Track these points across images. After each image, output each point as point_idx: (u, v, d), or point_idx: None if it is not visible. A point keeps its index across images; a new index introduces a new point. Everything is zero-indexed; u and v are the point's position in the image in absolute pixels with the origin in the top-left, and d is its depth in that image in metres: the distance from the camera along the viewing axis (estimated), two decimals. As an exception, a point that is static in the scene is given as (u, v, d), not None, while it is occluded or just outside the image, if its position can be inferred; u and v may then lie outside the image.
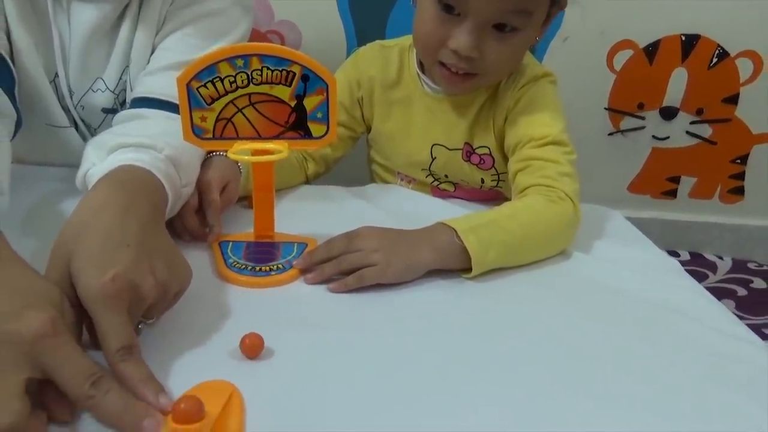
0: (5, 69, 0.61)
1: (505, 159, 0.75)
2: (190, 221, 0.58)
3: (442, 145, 0.78)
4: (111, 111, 0.70)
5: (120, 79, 0.69)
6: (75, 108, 0.69)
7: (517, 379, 0.43)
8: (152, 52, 0.68)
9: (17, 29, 0.63)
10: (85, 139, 0.72)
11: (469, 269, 0.56)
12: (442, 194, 0.81)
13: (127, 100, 0.69)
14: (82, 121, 0.70)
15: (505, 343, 0.48)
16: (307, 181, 0.82)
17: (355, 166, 0.91)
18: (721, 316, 0.57)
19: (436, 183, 0.82)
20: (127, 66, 0.68)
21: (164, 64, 0.65)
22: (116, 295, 0.37)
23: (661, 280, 0.62)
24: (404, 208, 0.72)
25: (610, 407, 0.41)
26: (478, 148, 0.77)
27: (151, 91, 0.63)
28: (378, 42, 0.82)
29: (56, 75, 0.67)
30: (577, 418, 0.40)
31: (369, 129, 0.84)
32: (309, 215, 0.68)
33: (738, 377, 0.46)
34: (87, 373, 0.34)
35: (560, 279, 0.60)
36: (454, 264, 0.56)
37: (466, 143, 0.77)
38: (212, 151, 0.65)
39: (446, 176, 0.80)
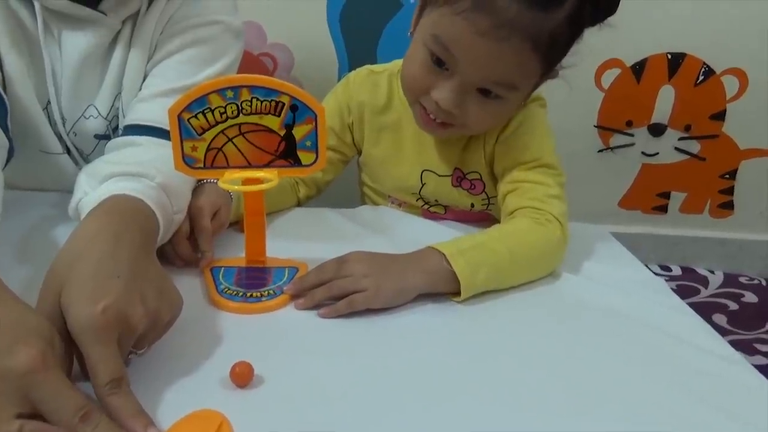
0: None
1: (495, 183, 0.76)
2: (183, 247, 0.59)
3: (432, 171, 0.78)
4: (104, 137, 0.71)
5: (112, 105, 0.70)
6: (68, 134, 0.70)
7: (507, 401, 0.44)
8: (144, 79, 0.69)
9: (9, 57, 0.64)
10: (78, 165, 0.72)
11: (458, 292, 0.56)
12: (433, 216, 0.82)
13: (120, 127, 0.70)
14: (75, 147, 0.71)
15: (495, 365, 0.48)
16: (299, 204, 0.82)
17: (346, 188, 0.92)
18: (705, 334, 0.57)
19: (426, 206, 0.82)
20: (120, 93, 0.69)
21: (156, 91, 0.66)
22: (106, 326, 0.38)
23: (649, 298, 0.63)
24: (396, 231, 0.73)
25: (598, 426, 0.42)
26: (468, 173, 0.77)
27: (143, 118, 0.64)
28: (367, 67, 0.82)
29: (48, 102, 0.68)
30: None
31: (360, 152, 0.84)
32: (301, 238, 0.69)
33: (720, 396, 0.47)
34: (76, 407, 0.35)
35: (548, 299, 0.61)
36: (444, 287, 0.57)
37: (456, 169, 0.77)
38: (203, 178, 0.66)
39: (436, 200, 0.81)
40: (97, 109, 0.70)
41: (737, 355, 0.54)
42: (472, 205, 0.80)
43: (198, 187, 0.64)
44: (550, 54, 0.62)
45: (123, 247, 0.44)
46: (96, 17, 0.64)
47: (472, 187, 0.78)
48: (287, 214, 0.77)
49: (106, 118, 0.70)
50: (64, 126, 0.69)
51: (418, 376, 0.46)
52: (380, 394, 0.44)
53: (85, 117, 0.70)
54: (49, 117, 0.68)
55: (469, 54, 0.60)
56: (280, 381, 0.44)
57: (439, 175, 0.78)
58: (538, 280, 0.64)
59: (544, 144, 0.72)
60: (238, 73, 0.74)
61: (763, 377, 0.51)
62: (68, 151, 0.71)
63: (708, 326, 0.59)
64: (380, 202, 0.86)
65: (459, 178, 0.78)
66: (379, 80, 0.79)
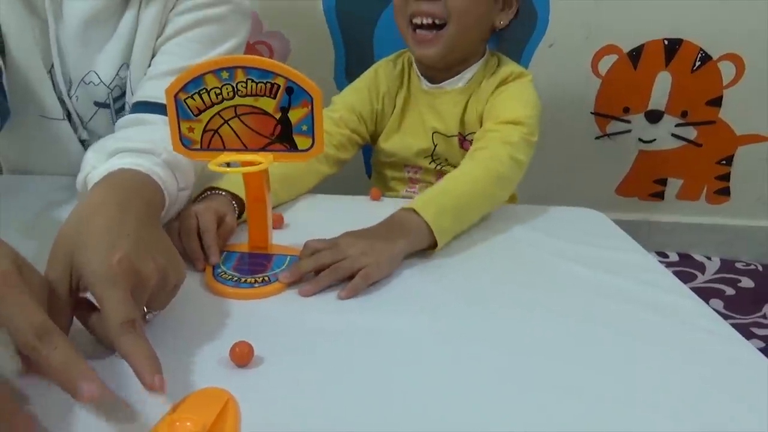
0: None
1: None
2: (192, 244, 0.58)
3: (441, 133, 0.89)
4: (103, 105, 0.72)
5: (116, 75, 0.71)
6: (70, 98, 0.70)
7: (510, 380, 0.44)
8: (153, 55, 0.70)
9: (10, 22, 0.65)
10: (76, 132, 0.73)
11: (434, 244, 0.63)
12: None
13: (127, 101, 0.71)
14: (76, 112, 0.72)
15: (492, 350, 0.48)
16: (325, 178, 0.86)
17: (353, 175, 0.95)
18: (703, 312, 0.58)
19: (439, 167, 0.92)
20: (125, 64, 0.70)
21: (165, 69, 0.67)
22: (122, 275, 0.39)
23: (644, 279, 0.63)
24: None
25: (582, 402, 0.42)
26: (467, 135, 0.88)
27: (153, 95, 0.65)
28: (387, 58, 0.95)
29: (52, 65, 0.69)
30: (558, 414, 0.41)
31: (373, 139, 0.94)
32: (316, 225, 0.68)
33: (720, 376, 0.47)
34: (36, 325, 0.34)
35: (542, 279, 0.61)
36: (421, 243, 0.63)
37: (459, 132, 0.88)
38: (208, 190, 0.66)
39: (446, 160, 0.91)
40: (98, 75, 0.71)
41: (735, 333, 0.54)
42: None
43: (202, 197, 0.65)
44: None
45: (129, 214, 0.45)
46: None
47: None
48: (297, 201, 0.78)
49: (108, 86, 0.71)
50: (68, 91, 0.70)
51: (415, 349, 0.47)
52: (377, 368, 0.44)
53: (85, 82, 0.71)
54: (52, 80, 0.69)
55: None
56: (280, 360, 0.44)
57: (447, 136, 0.89)
58: (532, 259, 0.65)
59: (521, 108, 0.81)
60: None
61: (762, 355, 0.51)
62: (69, 117, 0.71)
63: (706, 305, 0.60)
64: (396, 176, 0.95)
65: (461, 140, 0.89)
66: (396, 63, 0.93)
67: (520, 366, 0.46)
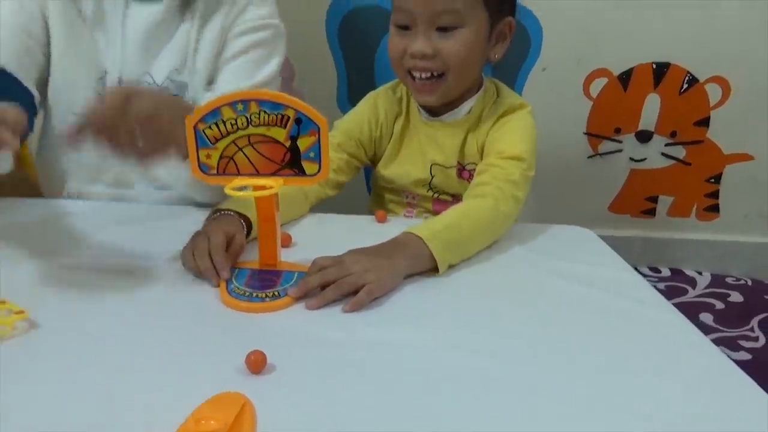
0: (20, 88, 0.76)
1: None
2: (204, 261, 0.63)
3: (440, 165, 0.91)
4: None
5: (167, 78, 0.83)
6: None
7: (504, 386, 0.48)
8: (213, 67, 0.85)
9: (60, 32, 0.80)
10: None
11: (436, 268, 0.67)
12: (442, 204, 0.93)
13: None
14: None
15: (485, 359, 0.53)
16: (322, 200, 0.90)
17: (353, 196, 0.99)
18: (681, 324, 0.62)
19: (436, 195, 0.94)
20: (177, 68, 0.83)
21: (230, 90, 0.78)
22: None
23: (627, 293, 0.67)
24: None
25: (570, 405, 0.46)
26: (467, 164, 0.90)
27: None
28: (387, 84, 0.97)
29: (105, 72, 0.82)
30: (547, 417, 0.45)
31: (377, 161, 0.96)
32: (314, 244, 0.73)
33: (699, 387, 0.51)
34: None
35: (535, 294, 0.65)
36: (422, 266, 0.67)
37: (458, 162, 0.90)
38: (217, 211, 0.71)
39: (444, 190, 0.93)
40: (152, 77, 0.83)
41: (711, 345, 0.58)
42: None
43: (212, 218, 0.70)
44: None
45: None
46: None
47: (472, 177, 0.87)
48: (303, 221, 0.83)
49: (160, 87, 0.83)
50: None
51: (415, 356, 0.51)
52: (382, 374, 0.49)
53: (141, 83, 0.82)
54: (103, 88, 0.82)
55: None
56: (291, 367, 0.49)
57: (446, 167, 0.91)
58: (522, 276, 0.70)
59: (521, 142, 0.84)
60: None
61: (735, 366, 0.54)
62: None
63: (686, 319, 0.63)
64: (396, 199, 0.97)
65: (460, 169, 0.90)
66: (396, 90, 0.95)
67: (514, 374, 0.50)
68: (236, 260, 0.66)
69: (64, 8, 0.80)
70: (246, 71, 0.85)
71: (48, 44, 0.81)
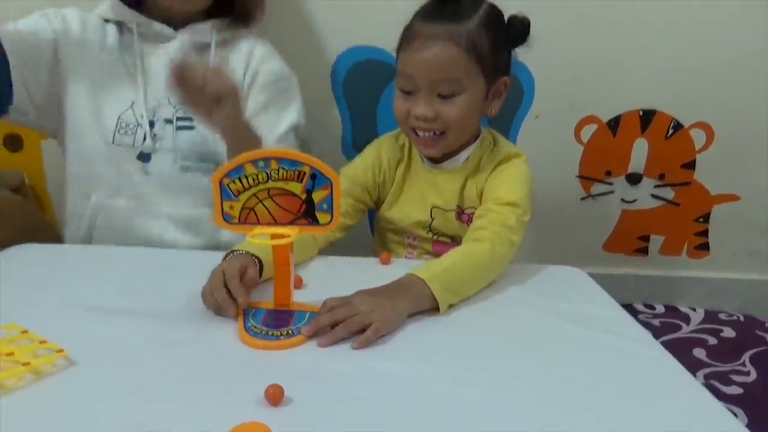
0: None
1: None
2: (220, 293, 0.69)
3: (440, 208, 0.97)
4: (168, 121, 0.98)
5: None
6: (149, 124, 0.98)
7: (500, 417, 0.53)
8: None
9: (111, 60, 0.98)
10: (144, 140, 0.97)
11: (437, 308, 0.73)
12: (442, 246, 0.99)
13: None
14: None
15: (483, 391, 0.58)
16: (332, 243, 0.97)
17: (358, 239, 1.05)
18: (663, 359, 0.67)
19: (435, 237, 1.00)
20: None
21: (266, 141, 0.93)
22: None
23: (613, 330, 0.72)
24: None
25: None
26: (466, 208, 0.97)
27: None
28: (389, 133, 1.05)
29: (133, 103, 0.96)
30: None
31: (381, 203, 1.02)
32: (331, 285, 0.77)
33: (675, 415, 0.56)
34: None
35: (529, 332, 0.71)
36: (424, 306, 0.73)
37: (457, 206, 0.97)
38: (230, 252, 0.77)
39: (443, 232, 0.99)
40: (170, 100, 0.98)
41: (691, 378, 0.63)
42: None
43: (227, 258, 0.76)
44: (477, 54, 0.85)
45: None
46: (171, 34, 0.99)
47: (470, 220, 0.94)
48: (312, 264, 0.89)
49: (174, 107, 0.99)
50: (144, 115, 0.97)
51: (419, 383, 0.57)
52: (389, 403, 0.54)
53: (160, 104, 0.98)
54: (134, 114, 0.97)
55: (418, 67, 0.85)
56: (306, 399, 0.54)
57: (446, 211, 0.97)
58: (513, 313, 0.76)
59: (517, 189, 0.91)
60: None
61: (714, 398, 0.59)
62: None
63: (670, 355, 0.68)
64: (398, 239, 1.04)
65: (459, 213, 0.97)
66: (399, 137, 1.03)
67: (509, 406, 0.55)
68: (249, 290, 0.71)
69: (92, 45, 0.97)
70: (272, 121, 0.98)
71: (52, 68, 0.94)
